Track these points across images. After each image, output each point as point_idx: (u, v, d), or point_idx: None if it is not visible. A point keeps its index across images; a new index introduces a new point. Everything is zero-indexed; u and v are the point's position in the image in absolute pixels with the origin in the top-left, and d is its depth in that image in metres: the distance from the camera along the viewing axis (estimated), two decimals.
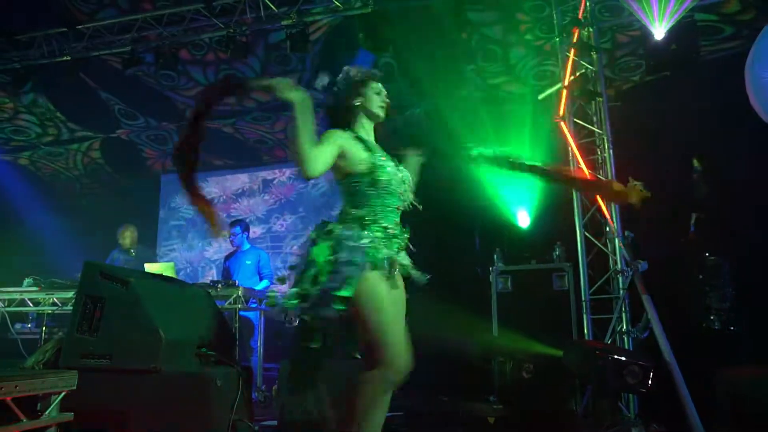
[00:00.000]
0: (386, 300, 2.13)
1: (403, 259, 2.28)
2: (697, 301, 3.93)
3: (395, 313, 2.19)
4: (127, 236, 6.11)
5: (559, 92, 4.80)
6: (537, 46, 5.76)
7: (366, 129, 2.42)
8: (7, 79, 6.24)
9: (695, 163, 4.40)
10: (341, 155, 2.25)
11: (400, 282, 2.26)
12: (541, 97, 5.19)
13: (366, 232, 2.21)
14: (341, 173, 2.29)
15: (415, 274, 2.30)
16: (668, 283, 4.13)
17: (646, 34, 4.82)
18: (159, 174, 8.90)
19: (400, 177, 2.30)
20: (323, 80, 2.47)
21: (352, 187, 2.28)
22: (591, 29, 4.83)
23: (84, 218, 8.25)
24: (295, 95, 2.11)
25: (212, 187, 8.63)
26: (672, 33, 4.60)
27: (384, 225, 2.24)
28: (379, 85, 2.43)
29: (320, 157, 2.17)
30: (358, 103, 2.38)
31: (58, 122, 7.38)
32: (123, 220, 6.35)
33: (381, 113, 2.41)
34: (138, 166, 8.63)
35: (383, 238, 2.22)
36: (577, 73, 4.74)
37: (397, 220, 2.29)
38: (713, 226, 4.21)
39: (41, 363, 2.89)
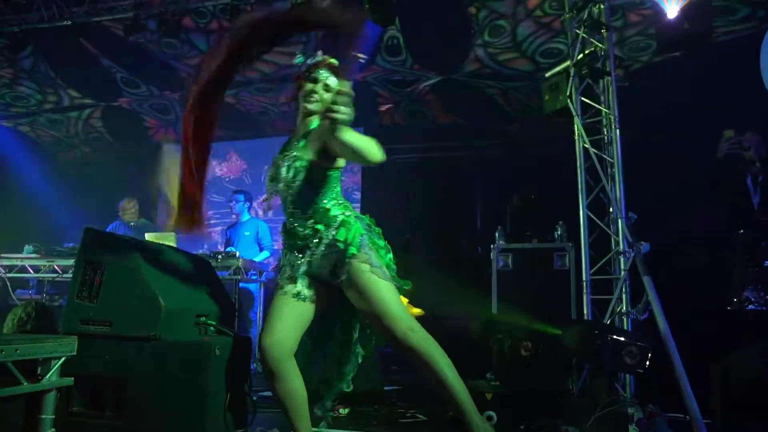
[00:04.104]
0: (281, 291, 2.30)
1: (302, 261, 2.30)
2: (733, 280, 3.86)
3: (284, 303, 2.28)
4: (128, 208, 6.07)
5: (566, 70, 4.73)
6: (546, 22, 5.67)
7: (301, 125, 2.47)
8: (5, 43, 6.14)
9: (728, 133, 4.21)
10: None
11: (300, 286, 2.29)
12: (548, 74, 5.11)
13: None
14: None
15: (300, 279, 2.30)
16: (676, 263, 4.10)
17: (658, 13, 4.72)
18: (161, 144, 8.84)
19: (279, 174, 2.34)
20: (301, 61, 2.42)
21: None
22: (602, 6, 4.73)
23: (84, 187, 8.23)
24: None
25: (212, 158, 8.57)
26: (685, 12, 4.51)
27: (285, 227, 2.40)
28: (320, 72, 2.42)
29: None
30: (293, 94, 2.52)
31: (59, 89, 7.30)
32: (124, 189, 6.33)
33: (305, 104, 2.44)
34: (139, 135, 8.57)
35: (285, 241, 2.41)
36: (587, 51, 4.66)
37: (293, 220, 2.34)
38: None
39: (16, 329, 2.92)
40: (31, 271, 5.15)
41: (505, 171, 6.99)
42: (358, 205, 7.88)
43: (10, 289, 5.16)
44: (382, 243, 2.37)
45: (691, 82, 5.07)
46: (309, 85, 2.42)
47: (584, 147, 4.61)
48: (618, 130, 4.53)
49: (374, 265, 2.24)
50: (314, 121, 2.42)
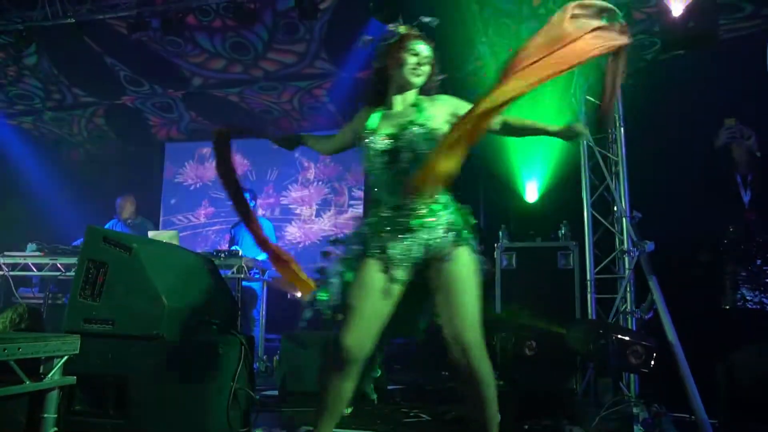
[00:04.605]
0: (363, 286, 2.07)
1: (406, 243, 2.07)
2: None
3: (367, 299, 2.06)
4: (126, 207, 6.05)
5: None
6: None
7: (398, 98, 2.22)
8: (9, 41, 6.14)
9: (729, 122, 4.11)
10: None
11: (395, 271, 2.07)
12: None
13: (367, 218, 2.20)
14: None
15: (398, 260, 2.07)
16: (681, 262, 4.08)
17: (663, 11, 4.69)
18: (164, 142, 8.85)
19: (396, 145, 2.10)
20: (365, 40, 2.29)
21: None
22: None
23: (88, 185, 8.24)
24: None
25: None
26: (690, 10, 4.47)
27: (374, 209, 2.17)
28: (418, 44, 2.19)
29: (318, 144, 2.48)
30: (389, 69, 2.20)
31: (63, 87, 7.31)
32: (127, 188, 6.32)
33: (413, 78, 2.19)
34: (143, 134, 8.57)
35: (375, 224, 2.14)
36: None
37: (405, 200, 2.08)
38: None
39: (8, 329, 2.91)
40: (35, 269, 5.15)
41: (507, 168, 6.95)
42: (360, 203, 7.88)
43: (13, 287, 5.16)
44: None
45: (696, 81, 5.04)
46: (412, 58, 2.17)
47: (588, 145, 4.59)
48: (622, 129, 4.51)
49: (479, 261, 2.13)
50: (413, 94, 2.24)
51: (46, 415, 2.03)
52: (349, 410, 3.52)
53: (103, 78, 7.05)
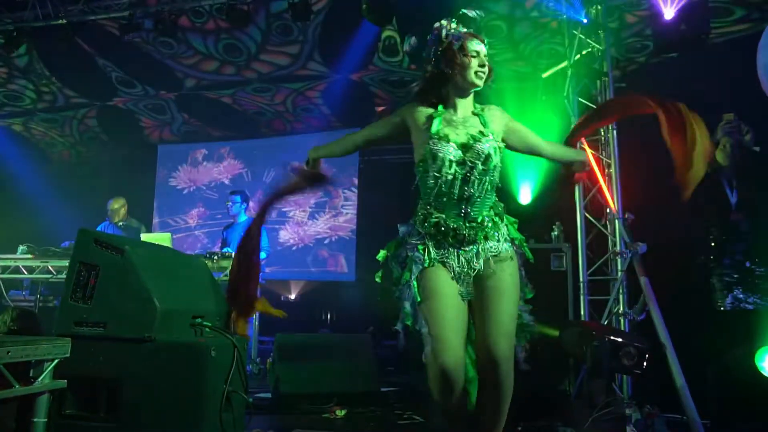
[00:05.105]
0: (439, 295, 2.01)
1: (469, 255, 2.04)
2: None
3: (450, 308, 2.01)
4: (116, 209, 6.00)
5: (563, 71, 4.73)
6: (543, 23, 5.66)
7: (459, 101, 2.16)
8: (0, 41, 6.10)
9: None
10: (411, 134, 2.16)
11: (459, 283, 2.05)
12: (545, 75, 5.11)
13: (417, 229, 2.11)
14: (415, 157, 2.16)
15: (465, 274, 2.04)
16: (673, 264, 4.09)
17: (655, 14, 4.73)
18: (156, 144, 8.81)
19: (467, 157, 2.04)
20: (411, 42, 2.21)
21: (416, 173, 2.15)
22: (599, 7, 4.74)
23: (79, 187, 8.19)
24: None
25: (208, 160, 8.57)
26: (682, 13, 4.51)
27: (437, 219, 2.07)
28: (477, 44, 2.12)
29: (337, 148, 2.44)
30: (449, 71, 2.10)
31: (54, 88, 7.26)
32: (118, 190, 6.28)
33: (477, 81, 2.12)
34: (135, 136, 8.53)
35: (435, 235, 2.07)
36: (584, 52, 4.66)
37: (466, 209, 2.06)
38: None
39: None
40: (25, 271, 5.11)
41: (503, 171, 6.97)
42: (354, 204, 7.87)
43: (3, 290, 5.11)
44: None
45: (688, 83, 5.07)
46: (474, 60, 2.10)
47: (581, 148, 4.60)
48: (615, 131, 4.53)
49: (522, 277, 2.12)
50: (471, 98, 2.20)
51: (36, 420, 2.00)
52: (343, 413, 3.51)
53: (95, 79, 7.02)
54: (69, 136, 8.59)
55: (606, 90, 4.64)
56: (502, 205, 2.18)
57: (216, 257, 4.88)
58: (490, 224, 2.08)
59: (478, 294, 2.07)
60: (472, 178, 2.05)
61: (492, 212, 2.11)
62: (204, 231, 8.39)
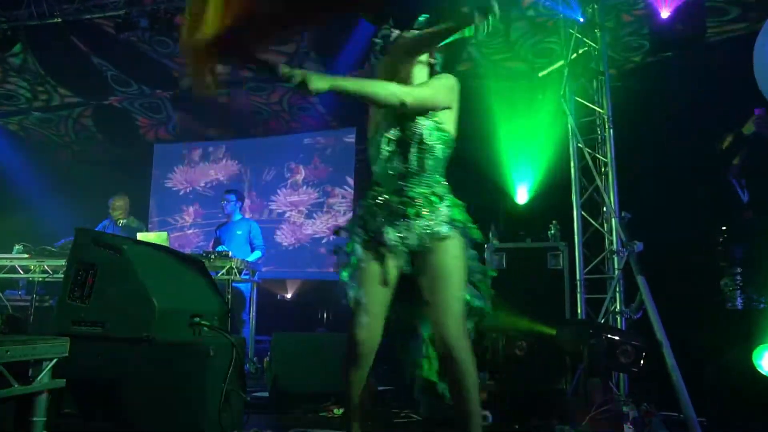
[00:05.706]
0: (364, 274, 2.13)
1: (401, 230, 2.12)
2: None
3: (372, 288, 2.12)
4: (118, 206, 5.99)
5: (560, 70, 4.74)
6: (539, 22, 5.67)
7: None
8: None
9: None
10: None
11: (392, 257, 2.13)
12: (542, 74, 5.12)
13: (364, 201, 2.26)
14: None
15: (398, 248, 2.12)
16: (670, 262, 4.10)
17: (651, 14, 4.75)
18: (152, 143, 8.78)
19: (405, 135, 2.15)
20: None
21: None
22: (596, 6, 4.75)
23: (75, 186, 8.16)
24: (323, 85, 1.94)
25: (204, 160, 8.55)
26: (678, 12, 4.53)
27: (375, 193, 2.22)
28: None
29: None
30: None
31: (49, 87, 7.23)
32: (114, 189, 6.26)
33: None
34: (131, 135, 8.50)
35: (372, 206, 2.20)
36: (580, 51, 4.68)
37: (403, 185, 2.15)
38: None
39: None
40: (21, 271, 5.09)
41: (498, 169, 6.99)
42: (350, 203, 7.87)
43: None
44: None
45: (684, 83, 5.09)
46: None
47: (578, 146, 4.62)
48: (611, 130, 4.55)
49: (468, 254, 2.17)
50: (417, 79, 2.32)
51: (35, 419, 2.00)
52: (340, 412, 3.51)
53: (91, 78, 6.98)
54: (64, 136, 8.55)
55: (603, 89, 4.65)
56: (447, 186, 2.23)
57: (213, 256, 4.87)
58: (423, 201, 2.15)
59: (422, 273, 2.14)
60: (410, 156, 2.16)
61: (429, 190, 2.17)
62: (200, 230, 8.37)
